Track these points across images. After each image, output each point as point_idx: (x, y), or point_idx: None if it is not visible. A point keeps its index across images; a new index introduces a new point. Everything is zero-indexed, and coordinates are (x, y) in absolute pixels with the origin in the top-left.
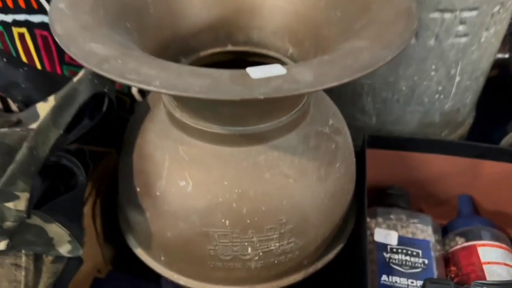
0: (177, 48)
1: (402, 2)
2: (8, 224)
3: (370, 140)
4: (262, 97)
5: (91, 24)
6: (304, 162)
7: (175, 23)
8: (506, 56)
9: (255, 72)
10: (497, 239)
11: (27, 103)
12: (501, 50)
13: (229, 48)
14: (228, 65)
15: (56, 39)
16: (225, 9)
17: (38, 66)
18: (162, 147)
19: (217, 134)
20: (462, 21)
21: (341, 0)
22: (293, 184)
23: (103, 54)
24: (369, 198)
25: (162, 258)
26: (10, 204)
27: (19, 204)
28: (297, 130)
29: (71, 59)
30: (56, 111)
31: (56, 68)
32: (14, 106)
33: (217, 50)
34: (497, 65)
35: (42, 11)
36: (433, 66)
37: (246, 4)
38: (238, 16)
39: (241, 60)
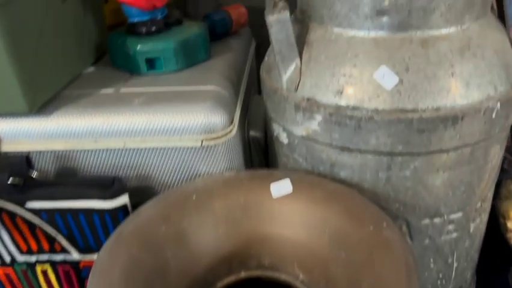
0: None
1: (401, 256)
2: None
3: None
4: None
5: None
6: None
7: (193, 267)
8: None
9: None
10: None
11: None
12: None
13: (243, 275)
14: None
15: None
16: (237, 241)
17: None
18: None
19: None
20: (450, 222)
21: (344, 243)
22: None
23: None
24: None
25: None
26: None
27: None
28: None
29: None
30: None
31: None
32: None
33: (233, 278)
34: None
35: (64, 251)
36: (431, 260)
37: (255, 235)
38: (250, 246)
39: (254, 280)
